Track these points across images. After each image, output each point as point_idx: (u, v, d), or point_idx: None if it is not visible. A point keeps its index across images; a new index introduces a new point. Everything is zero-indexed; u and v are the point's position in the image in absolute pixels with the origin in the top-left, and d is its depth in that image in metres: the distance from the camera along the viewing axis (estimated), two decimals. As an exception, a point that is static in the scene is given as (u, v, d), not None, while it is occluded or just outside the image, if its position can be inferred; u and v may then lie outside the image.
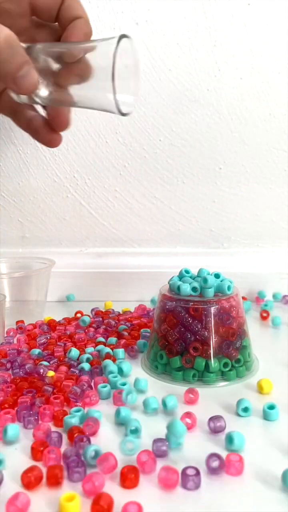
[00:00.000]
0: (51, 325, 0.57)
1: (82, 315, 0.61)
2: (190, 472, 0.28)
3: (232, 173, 0.67)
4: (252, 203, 0.69)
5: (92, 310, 0.63)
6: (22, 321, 0.57)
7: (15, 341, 0.52)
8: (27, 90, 0.36)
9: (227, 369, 0.42)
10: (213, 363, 0.41)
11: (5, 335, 0.54)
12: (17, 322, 0.57)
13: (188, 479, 0.28)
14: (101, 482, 0.28)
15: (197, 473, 0.28)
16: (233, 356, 0.42)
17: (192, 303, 0.42)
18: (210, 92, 0.65)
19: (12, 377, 0.43)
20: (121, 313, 0.62)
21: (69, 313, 0.62)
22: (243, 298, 0.66)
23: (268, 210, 0.69)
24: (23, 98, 0.40)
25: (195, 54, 0.64)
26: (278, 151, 0.67)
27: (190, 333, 0.42)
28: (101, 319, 0.58)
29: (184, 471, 0.28)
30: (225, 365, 0.41)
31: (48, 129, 0.43)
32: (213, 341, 0.41)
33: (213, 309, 0.42)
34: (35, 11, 0.40)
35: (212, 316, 0.42)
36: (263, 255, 0.70)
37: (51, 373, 0.43)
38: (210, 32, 0.63)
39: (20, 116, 0.44)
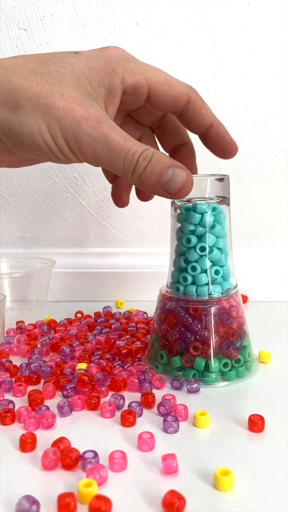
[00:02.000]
0: (51, 325, 0.57)
1: (82, 315, 0.62)
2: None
3: (232, 173, 0.67)
4: (252, 203, 0.69)
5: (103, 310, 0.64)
6: (22, 321, 0.57)
7: (15, 341, 0.52)
8: (181, 194, 0.34)
9: (227, 369, 0.42)
10: (213, 363, 0.41)
11: (5, 335, 0.54)
12: (17, 322, 0.57)
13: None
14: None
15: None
16: (233, 356, 0.42)
17: (192, 303, 0.42)
18: (210, 92, 0.65)
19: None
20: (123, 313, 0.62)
21: (69, 313, 0.62)
22: (243, 297, 0.66)
23: (268, 210, 0.69)
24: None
25: (195, 54, 0.64)
26: (278, 151, 0.67)
27: (190, 333, 0.42)
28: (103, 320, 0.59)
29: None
30: (225, 365, 0.41)
31: (126, 192, 0.46)
32: (213, 341, 0.41)
33: (213, 309, 0.42)
34: (154, 105, 0.39)
35: (212, 316, 0.42)
36: (263, 255, 0.70)
37: (83, 365, 0.43)
38: (210, 32, 0.64)
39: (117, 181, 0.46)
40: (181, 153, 0.44)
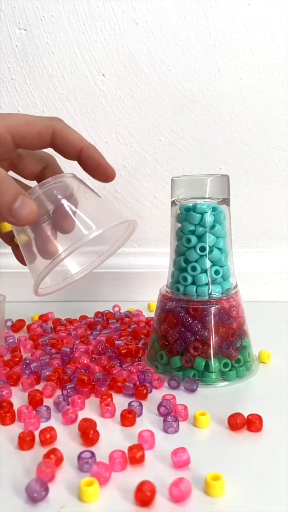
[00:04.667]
0: (54, 324, 0.57)
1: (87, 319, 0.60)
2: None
3: (232, 173, 0.67)
4: (252, 203, 0.69)
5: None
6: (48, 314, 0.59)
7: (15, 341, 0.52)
8: (27, 220, 0.35)
9: (227, 369, 0.42)
10: (213, 363, 0.41)
11: (5, 336, 0.54)
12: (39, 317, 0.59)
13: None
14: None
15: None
16: (233, 356, 0.42)
17: (192, 303, 0.42)
18: (210, 92, 0.65)
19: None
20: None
21: (70, 313, 0.62)
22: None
23: (268, 210, 0.69)
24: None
25: (195, 54, 0.64)
26: (278, 151, 0.67)
27: (190, 333, 0.42)
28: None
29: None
30: (225, 365, 0.41)
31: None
32: (213, 341, 0.41)
33: (213, 309, 0.42)
34: (24, 146, 0.40)
35: (212, 316, 0.42)
36: (263, 255, 0.70)
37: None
38: (210, 32, 0.64)
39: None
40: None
